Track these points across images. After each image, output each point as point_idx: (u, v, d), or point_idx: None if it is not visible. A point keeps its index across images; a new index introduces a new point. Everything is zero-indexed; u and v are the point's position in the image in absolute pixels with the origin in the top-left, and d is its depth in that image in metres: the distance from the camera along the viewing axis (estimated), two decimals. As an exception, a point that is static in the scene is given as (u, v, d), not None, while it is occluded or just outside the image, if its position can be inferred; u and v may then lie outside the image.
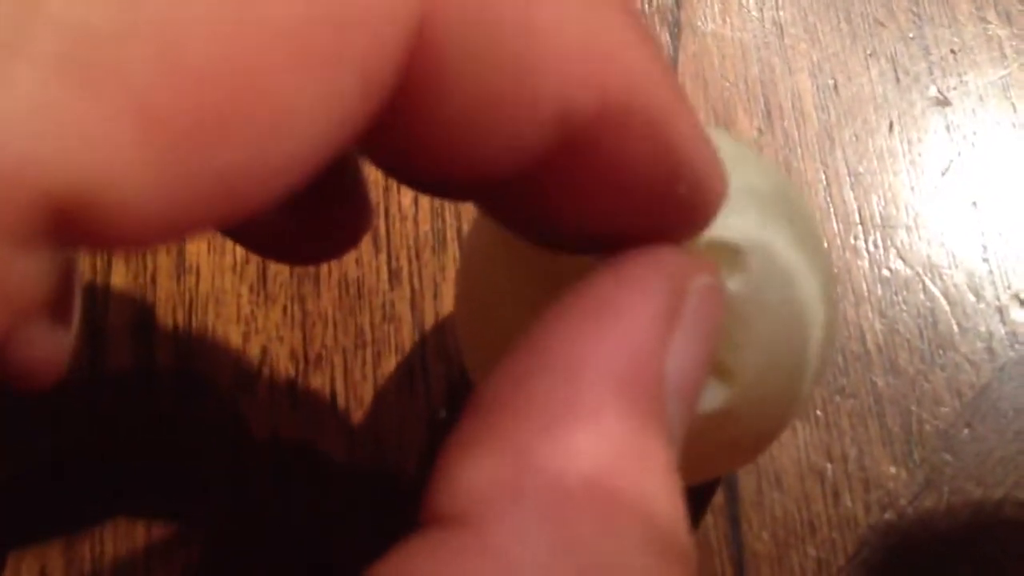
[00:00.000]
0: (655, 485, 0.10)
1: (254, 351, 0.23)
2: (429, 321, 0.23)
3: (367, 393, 0.23)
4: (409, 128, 0.10)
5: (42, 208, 0.07)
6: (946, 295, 0.24)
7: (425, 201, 0.24)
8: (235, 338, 0.23)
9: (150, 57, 0.07)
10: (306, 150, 0.08)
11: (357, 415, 0.23)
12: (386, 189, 0.25)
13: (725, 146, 0.16)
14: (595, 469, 0.10)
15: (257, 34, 0.08)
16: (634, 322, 0.11)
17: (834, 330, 0.18)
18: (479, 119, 0.10)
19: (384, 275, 0.24)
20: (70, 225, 0.07)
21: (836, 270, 0.24)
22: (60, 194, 0.07)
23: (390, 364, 0.23)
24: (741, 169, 0.16)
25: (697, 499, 0.22)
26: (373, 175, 0.25)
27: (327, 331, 0.23)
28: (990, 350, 0.24)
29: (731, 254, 0.16)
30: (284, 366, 0.23)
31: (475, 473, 0.10)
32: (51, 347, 0.12)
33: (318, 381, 0.23)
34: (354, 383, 0.23)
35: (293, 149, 0.08)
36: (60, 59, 0.07)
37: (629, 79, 0.10)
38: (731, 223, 0.16)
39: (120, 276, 0.23)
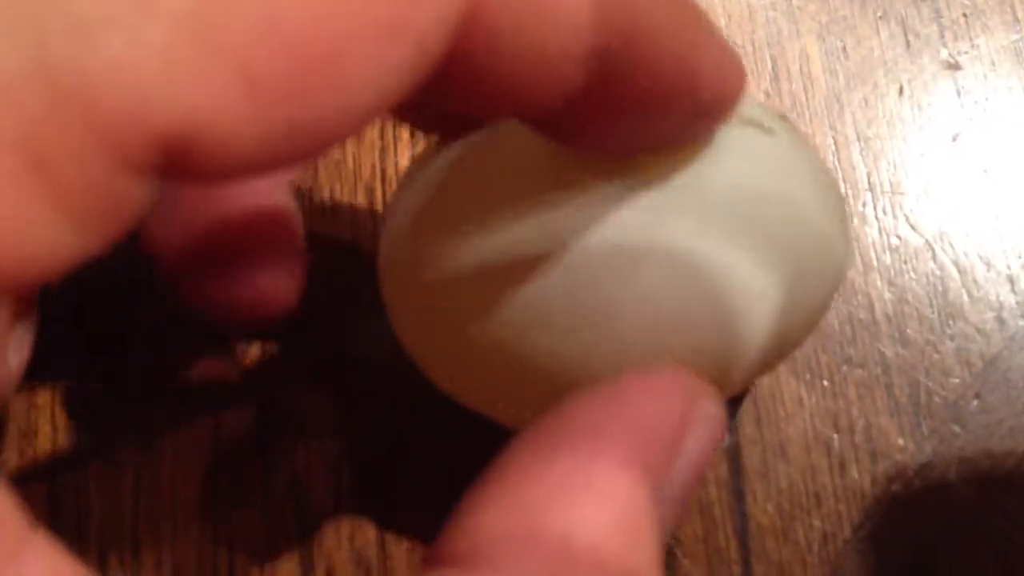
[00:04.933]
0: (646, 563, 0.12)
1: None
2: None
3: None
4: (456, 82, 0.11)
5: (157, 140, 0.08)
6: (956, 264, 0.24)
7: (422, 163, 0.24)
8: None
9: (255, 22, 0.09)
10: (369, 105, 0.10)
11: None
12: (382, 151, 0.24)
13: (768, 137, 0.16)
14: (598, 538, 0.11)
15: (341, 6, 0.09)
16: (652, 421, 0.13)
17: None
18: (523, 70, 0.11)
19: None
20: (174, 157, 0.09)
21: (844, 237, 0.24)
22: (173, 130, 0.08)
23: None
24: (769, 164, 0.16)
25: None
26: (369, 137, 0.24)
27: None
28: (1000, 320, 0.23)
29: None
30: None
31: (492, 522, 0.11)
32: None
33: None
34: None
35: (359, 105, 0.10)
36: (184, 19, 0.08)
37: (647, 12, 0.12)
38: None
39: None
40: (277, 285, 0.18)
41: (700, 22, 0.13)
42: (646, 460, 0.12)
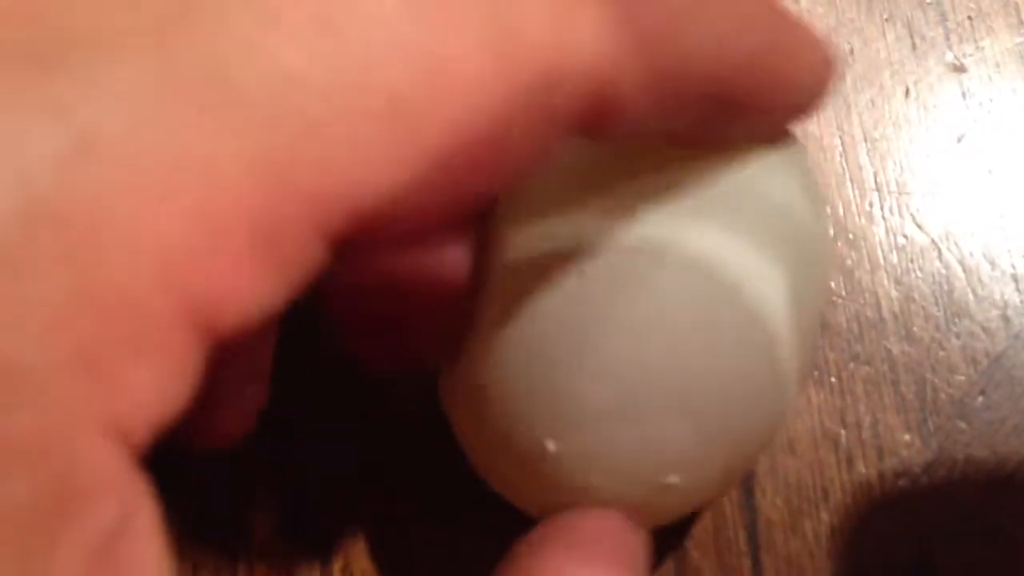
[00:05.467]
0: None
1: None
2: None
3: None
4: None
5: (350, 215, 0.10)
6: (961, 263, 0.24)
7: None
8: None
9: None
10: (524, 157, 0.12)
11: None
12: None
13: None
14: None
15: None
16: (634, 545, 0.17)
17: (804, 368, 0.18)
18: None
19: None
20: (358, 221, 0.10)
21: (851, 236, 0.24)
22: (363, 205, 0.10)
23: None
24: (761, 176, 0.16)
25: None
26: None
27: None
28: (1005, 318, 0.24)
29: None
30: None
31: None
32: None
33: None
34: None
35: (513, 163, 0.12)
36: (382, 113, 0.10)
37: (697, 29, 0.13)
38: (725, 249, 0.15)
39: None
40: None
41: (773, 19, 0.13)
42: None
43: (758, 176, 0.16)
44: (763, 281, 0.15)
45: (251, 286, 0.10)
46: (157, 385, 0.09)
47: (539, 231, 0.16)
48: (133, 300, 0.09)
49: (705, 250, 0.15)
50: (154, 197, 0.09)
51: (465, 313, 0.17)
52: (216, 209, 0.09)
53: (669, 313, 0.15)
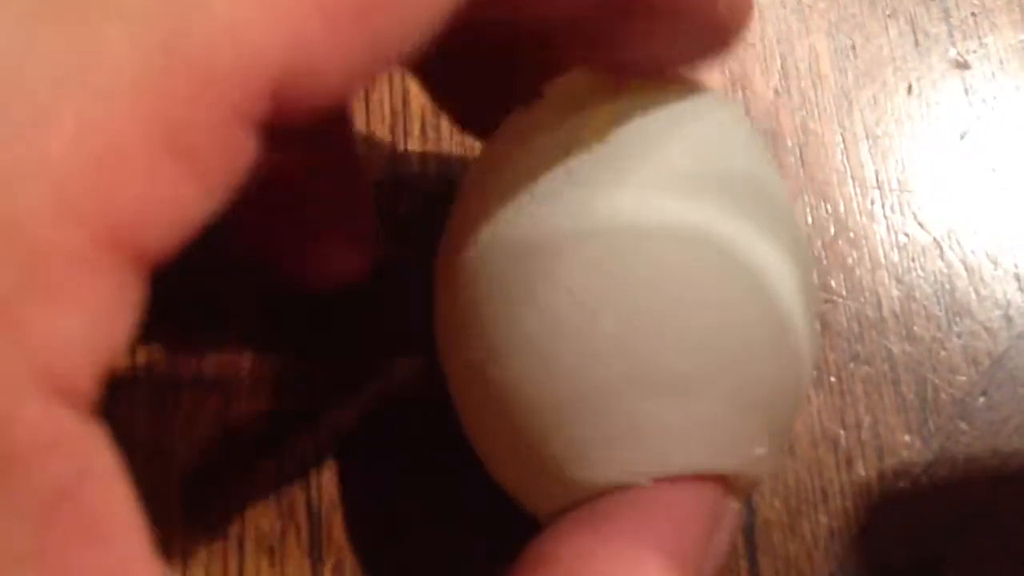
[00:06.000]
0: None
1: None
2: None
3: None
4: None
5: (267, 88, 0.09)
6: (963, 262, 0.24)
7: (433, 131, 0.24)
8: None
9: None
10: (436, 16, 0.10)
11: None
12: (392, 127, 0.24)
13: (709, 113, 0.16)
14: None
15: None
16: (688, 521, 0.14)
17: (814, 333, 0.17)
18: None
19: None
20: (279, 101, 0.09)
21: (852, 234, 0.24)
22: (278, 74, 0.09)
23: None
24: (720, 149, 0.16)
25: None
26: (383, 107, 0.24)
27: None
28: (1007, 318, 0.23)
29: None
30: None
31: None
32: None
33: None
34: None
35: (427, 17, 0.10)
36: None
37: None
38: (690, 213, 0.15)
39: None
40: (348, 254, 0.18)
41: None
42: (683, 556, 0.13)
43: (729, 151, 0.16)
44: (768, 254, 0.16)
45: (172, 196, 0.09)
46: (85, 327, 0.09)
47: (558, 210, 0.16)
48: (32, 242, 0.08)
49: (723, 232, 0.15)
50: (37, 121, 0.08)
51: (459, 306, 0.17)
52: (108, 120, 0.08)
53: (686, 291, 0.15)
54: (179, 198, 0.09)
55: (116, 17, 0.08)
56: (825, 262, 0.24)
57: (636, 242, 0.15)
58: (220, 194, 0.09)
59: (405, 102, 0.24)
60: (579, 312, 0.15)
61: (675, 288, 0.15)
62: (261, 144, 0.10)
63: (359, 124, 0.23)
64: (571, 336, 0.15)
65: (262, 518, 0.21)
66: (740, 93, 0.25)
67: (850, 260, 0.24)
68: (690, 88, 0.17)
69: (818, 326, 0.22)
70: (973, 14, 0.26)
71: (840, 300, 0.23)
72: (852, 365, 0.23)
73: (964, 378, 0.23)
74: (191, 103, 0.09)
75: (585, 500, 0.16)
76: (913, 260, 0.24)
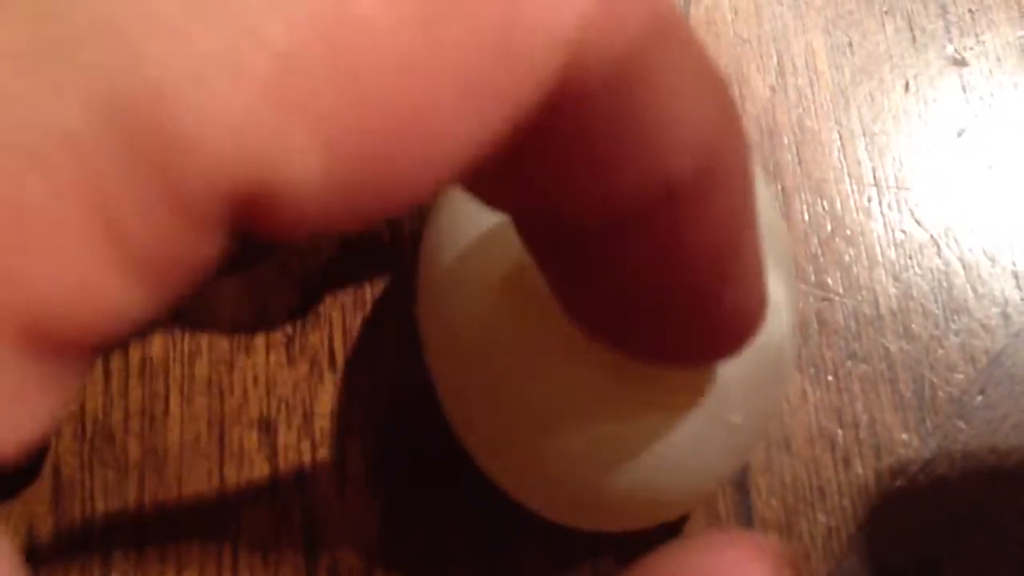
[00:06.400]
0: None
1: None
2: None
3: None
4: (539, 155, 0.10)
5: (228, 198, 0.08)
6: (961, 259, 0.24)
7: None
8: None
9: (338, 90, 0.08)
10: (449, 168, 0.09)
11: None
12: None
13: None
14: None
15: (429, 72, 0.09)
16: None
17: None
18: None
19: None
20: (246, 215, 0.09)
21: (849, 232, 0.24)
22: (245, 188, 0.08)
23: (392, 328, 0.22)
24: None
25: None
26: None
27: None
28: (1005, 315, 0.23)
29: None
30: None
31: None
32: None
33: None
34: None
35: (440, 168, 0.09)
36: (268, 83, 0.08)
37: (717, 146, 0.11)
38: None
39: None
40: None
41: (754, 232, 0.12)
42: None
43: None
44: (775, 292, 0.16)
45: (105, 282, 0.08)
46: None
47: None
48: None
49: None
50: None
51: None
52: (35, 195, 0.07)
53: None
54: (115, 296, 0.08)
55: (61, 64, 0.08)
56: (822, 260, 0.24)
57: None
58: (164, 297, 0.08)
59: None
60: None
61: None
62: (223, 248, 0.09)
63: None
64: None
65: (256, 518, 0.21)
66: (736, 90, 0.25)
67: (847, 258, 0.24)
68: None
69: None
70: (970, 11, 0.26)
71: (837, 298, 0.23)
72: (849, 363, 0.23)
73: (962, 376, 0.23)
74: (136, 192, 0.08)
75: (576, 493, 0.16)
76: (910, 258, 0.24)
